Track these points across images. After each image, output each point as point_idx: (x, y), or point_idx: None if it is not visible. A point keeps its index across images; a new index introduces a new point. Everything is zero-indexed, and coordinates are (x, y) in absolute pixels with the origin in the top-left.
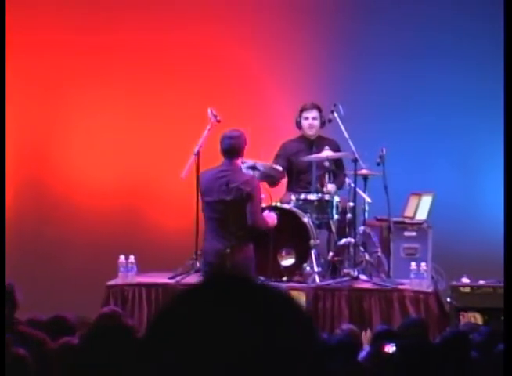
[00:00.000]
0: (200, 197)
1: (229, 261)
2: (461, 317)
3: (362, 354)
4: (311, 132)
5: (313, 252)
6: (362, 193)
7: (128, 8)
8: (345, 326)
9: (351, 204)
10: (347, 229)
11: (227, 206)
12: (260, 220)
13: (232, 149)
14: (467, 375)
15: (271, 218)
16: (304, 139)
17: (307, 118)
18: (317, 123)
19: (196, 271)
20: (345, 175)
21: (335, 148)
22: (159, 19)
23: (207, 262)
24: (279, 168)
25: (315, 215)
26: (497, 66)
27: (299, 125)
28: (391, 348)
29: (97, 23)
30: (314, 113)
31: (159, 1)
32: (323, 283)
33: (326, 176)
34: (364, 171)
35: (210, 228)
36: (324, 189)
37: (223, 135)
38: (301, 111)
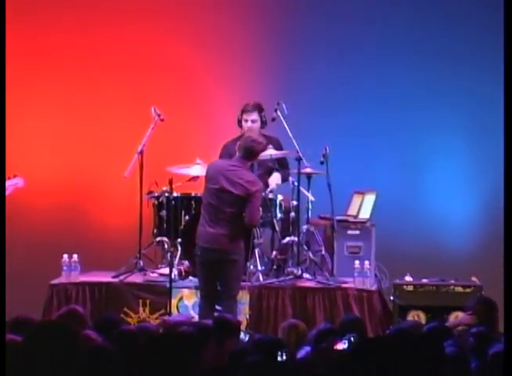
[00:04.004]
0: (204, 184)
1: (220, 245)
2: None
3: (303, 352)
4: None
5: (257, 251)
6: (305, 191)
7: (66, 8)
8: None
9: (295, 202)
10: (290, 228)
11: (228, 196)
12: (256, 220)
13: (251, 151)
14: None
15: None
16: None
17: (246, 120)
18: (256, 125)
19: (140, 270)
20: (289, 174)
21: (278, 147)
22: (100, 19)
23: (199, 245)
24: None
25: None
26: (442, 60)
27: (240, 124)
28: (342, 346)
29: (34, 25)
30: (253, 116)
31: (99, 2)
32: (267, 281)
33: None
34: (307, 170)
35: (208, 213)
36: (268, 189)
37: (250, 136)
38: (242, 112)
